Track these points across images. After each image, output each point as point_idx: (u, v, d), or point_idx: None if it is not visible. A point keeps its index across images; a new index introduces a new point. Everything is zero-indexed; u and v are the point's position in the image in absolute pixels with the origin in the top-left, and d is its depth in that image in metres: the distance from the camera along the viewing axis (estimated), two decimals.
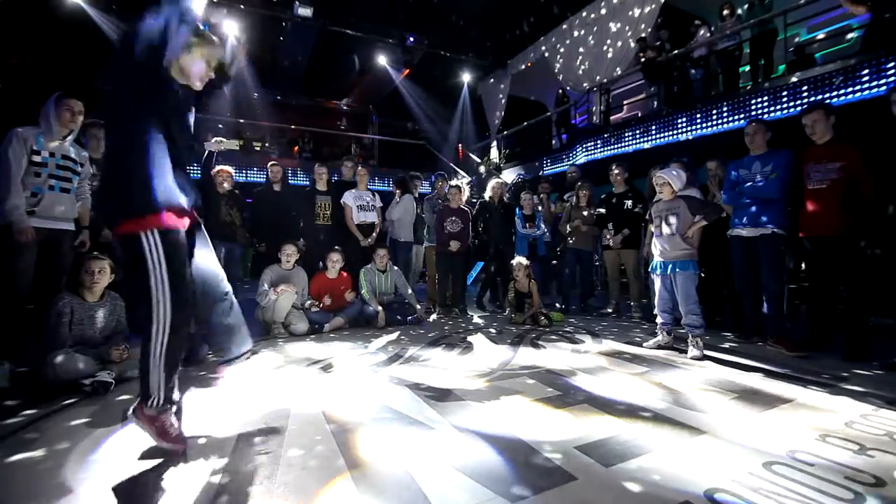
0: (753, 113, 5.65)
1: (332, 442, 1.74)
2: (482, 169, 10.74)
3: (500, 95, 11.78)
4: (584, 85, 9.15)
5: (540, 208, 5.81)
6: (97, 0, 8.28)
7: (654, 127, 7.02)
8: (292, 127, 11.80)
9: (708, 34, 6.97)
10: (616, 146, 7.65)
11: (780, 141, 3.45)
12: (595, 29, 9.04)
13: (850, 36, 6.83)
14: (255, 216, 4.81)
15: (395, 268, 4.76)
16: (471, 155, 11.86)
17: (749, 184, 3.35)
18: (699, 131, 6.35)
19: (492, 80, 12.05)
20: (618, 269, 5.03)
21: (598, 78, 8.71)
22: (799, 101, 5.22)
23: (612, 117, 8.71)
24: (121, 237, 1.62)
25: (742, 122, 5.64)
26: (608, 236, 4.86)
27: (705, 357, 3.03)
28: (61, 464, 1.57)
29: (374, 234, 5.05)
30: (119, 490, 1.42)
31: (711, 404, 2.16)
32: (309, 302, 4.23)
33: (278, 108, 12.07)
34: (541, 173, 9.11)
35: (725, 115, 6.04)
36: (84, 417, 2.02)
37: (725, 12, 6.62)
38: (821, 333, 3.24)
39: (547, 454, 1.62)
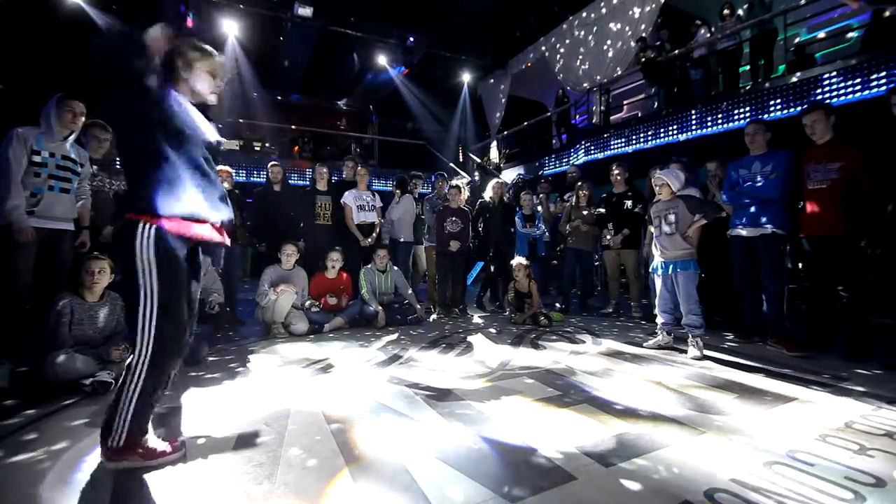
0: (753, 113, 5.65)
1: (332, 442, 1.74)
2: (476, 175, 10.74)
3: (500, 95, 11.77)
4: (584, 85, 9.15)
5: (539, 208, 5.82)
6: (97, 0, 8.28)
7: (654, 127, 7.02)
8: (292, 127, 11.80)
9: (708, 34, 6.97)
10: (616, 146, 7.65)
11: (780, 141, 3.45)
12: (595, 29, 9.04)
13: (850, 36, 6.84)
14: (256, 216, 4.81)
15: (395, 268, 4.76)
16: (471, 155, 11.86)
17: (749, 184, 3.35)
18: (699, 131, 6.35)
19: (492, 80, 12.05)
20: (618, 269, 5.03)
21: (597, 78, 8.70)
22: (799, 101, 5.22)
23: (612, 117, 8.71)
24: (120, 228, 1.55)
25: (742, 122, 5.64)
26: (608, 236, 4.86)
27: (705, 357, 3.03)
28: (61, 464, 1.57)
29: (374, 235, 5.05)
30: (119, 490, 1.42)
31: (711, 404, 2.16)
32: (309, 302, 4.23)
33: (278, 108, 12.06)
34: (541, 173, 9.11)
35: (725, 115, 6.04)
36: (84, 417, 2.02)
37: (725, 12, 6.62)
38: (821, 333, 3.24)
39: (547, 454, 1.62)
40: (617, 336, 3.86)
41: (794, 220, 3.25)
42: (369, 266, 4.58)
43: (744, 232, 3.39)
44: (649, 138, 7.08)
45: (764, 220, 3.27)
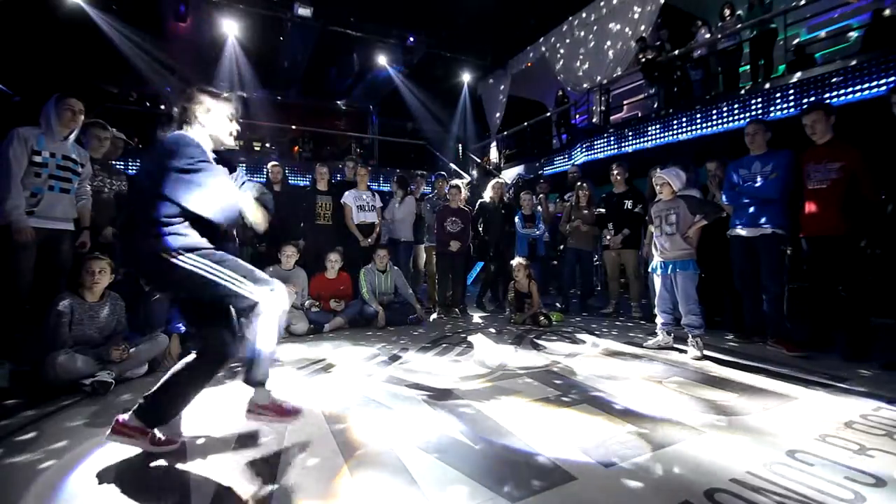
0: (753, 113, 5.65)
1: (332, 441, 1.74)
2: (474, 173, 10.74)
3: (500, 95, 11.77)
4: (584, 85, 9.14)
5: (539, 208, 5.82)
6: (97, 0, 8.28)
7: (654, 127, 7.02)
8: (292, 127, 11.80)
9: (708, 34, 6.96)
10: (616, 146, 7.64)
11: (780, 141, 3.45)
12: (595, 29, 9.03)
13: (850, 36, 6.84)
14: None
15: (395, 268, 4.76)
16: (471, 155, 11.85)
17: (749, 184, 3.35)
18: (699, 131, 6.34)
19: (492, 80, 12.04)
20: (618, 269, 5.03)
21: (597, 78, 8.70)
22: (799, 101, 5.22)
23: (612, 117, 8.70)
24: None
25: (742, 122, 5.63)
26: (608, 236, 4.86)
27: (705, 357, 3.03)
28: (61, 464, 1.57)
29: (374, 234, 5.05)
30: (119, 490, 1.42)
31: (711, 405, 2.16)
32: (309, 302, 4.23)
33: (278, 108, 12.06)
34: (541, 173, 9.11)
35: (725, 115, 6.03)
36: (84, 417, 2.02)
37: (726, 12, 6.62)
38: (821, 333, 3.24)
39: (547, 454, 1.62)
40: (617, 336, 3.86)
41: (794, 220, 3.24)
42: (369, 266, 4.58)
43: (744, 232, 3.39)
44: (649, 138, 7.08)
45: (764, 220, 3.27)
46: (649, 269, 3.54)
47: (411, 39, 10.27)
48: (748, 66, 6.53)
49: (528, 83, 11.56)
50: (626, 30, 8.30)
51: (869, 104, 4.59)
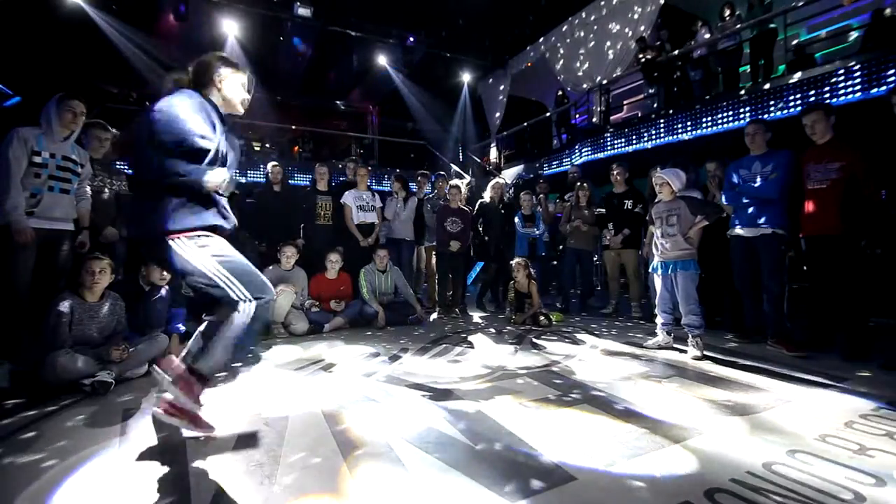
0: (753, 113, 5.65)
1: (332, 442, 1.74)
2: (471, 173, 10.74)
3: (500, 95, 11.77)
4: (584, 85, 9.14)
5: (539, 208, 5.82)
6: (97, 0, 8.28)
7: (654, 127, 7.02)
8: (292, 127, 11.79)
9: (708, 34, 6.97)
10: (616, 146, 7.64)
11: (780, 141, 3.45)
12: (595, 29, 9.04)
13: (850, 36, 6.84)
14: (256, 216, 4.80)
15: (395, 268, 4.76)
16: (471, 155, 11.85)
17: (749, 184, 3.35)
18: (699, 131, 6.34)
19: (491, 80, 12.04)
20: (618, 269, 5.03)
21: (597, 78, 8.70)
22: (799, 101, 5.22)
23: (612, 117, 8.70)
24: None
25: (742, 122, 5.63)
26: (608, 236, 4.86)
27: (705, 357, 3.03)
28: (61, 464, 1.57)
29: (374, 235, 5.05)
30: (119, 490, 1.42)
31: (711, 404, 2.16)
32: (309, 302, 4.23)
33: (278, 108, 12.06)
34: (541, 173, 9.11)
35: (725, 115, 6.03)
36: (84, 417, 2.02)
37: (726, 12, 6.62)
38: (821, 333, 3.24)
39: (547, 454, 1.62)
40: (617, 336, 3.86)
41: (794, 220, 3.24)
42: (369, 266, 4.58)
43: (744, 232, 3.39)
44: (649, 138, 7.08)
45: (764, 220, 3.27)
46: (650, 269, 3.54)
47: (411, 39, 10.27)
48: (748, 66, 6.53)
49: (528, 83, 11.55)
50: (626, 30, 8.29)
51: (869, 104, 4.59)
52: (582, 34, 9.34)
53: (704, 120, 6.28)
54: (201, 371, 1.67)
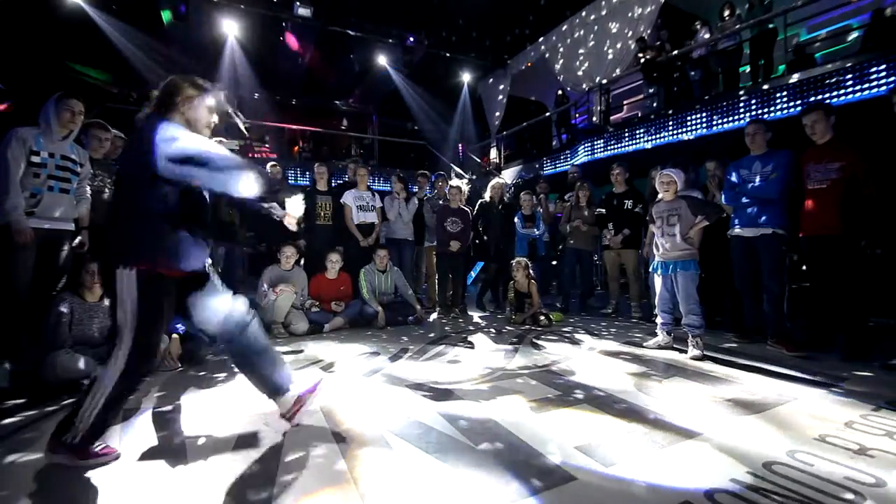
0: (754, 113, 5.65)
1: (331, 442, 1.74)
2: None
3: (500, 95, 11.77)
4: (584, 85, 9.14)
5: (539, 208, 5.82)
6: (97, 0, 8.28)
7: (654, 127, 7.02)
8: (292, 127, 11.80)
9: (708, 34, 6.97)
10: (616, 146, 7.64)
11: (780, 141, 3.45)
12: (595, 29, 9.04)
13: (850, 36, 6.83)
14: (256, 216, 4.79)
15: (395, 268, 4.76)
16: (471, 155, 11.85)
17: (749, 184, 3.35)
18: (699, 131, 6.34)
19: (492, 80, 12.05)
20: (618, 269, 5.03)
21: (598, 78, 8.70)
22: (799, 101, 5.22)
23: (612, 117, 8.70)
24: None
25: (742, 122, 5.63)
26: (608, 236, 4.86)
27: (705, 357, 3.03)
28: (61, 464, 1.57)
29: (374, 235, 5.05)
30: (119, 490, 1.42)
31: (711, 404, 2.16)
32: (309, 302, 4.23)
33: (278, 108, 12.05)
34: (541, 173, 9.11)
35: (725, 115, 6.03)
36: None
37: (725, 12, 6.62)
38: (821, 333, 3.24)
39: (547, 454, 1.62)
40: (617, 336, 3.86)
41: (794, 220, 3.24)
42: (369, 266, 4.58)
43: (744, 232, 3.39)
44: (649, 138, 7.08)
45: (764, 220, 3.27)
46: (650, 269, 3.54)
47: (411, 39, 10.28)
48: (748, 66, 6.53)
49: (528, 83, 11.55)
50: (626, 30, 8.29)
51: (869, 104, 4.59)
52: (582, 34, 9.34)
53: (704, 120, 6.27)
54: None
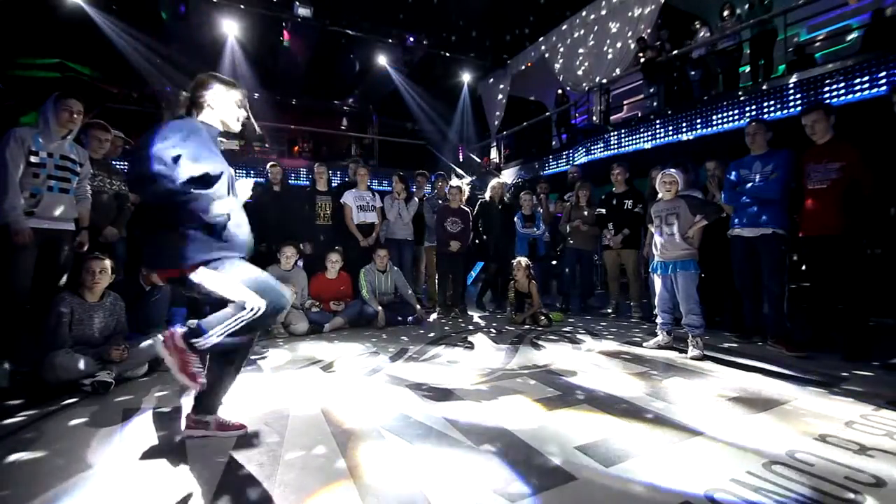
0: (753, 113, 5.65)
1: (331, 442, 1.74)
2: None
3: (500, 95, 11.77)
4: (584, 85, 9.14)
5: (539, 208, 5.82)
6: (97, 0, 8.28)
7: (654, 127, 7.01)
8: (292, 127, 11.79)
9: (708, 34, 6.96)
10: (616, 146, 7.63)
11: (780, 141, 3.45)
12: (595, 29, 9.04)
13: (850, 36, 6.83)
14: (255, 217, 4.79)
15: (395, 268, 4.76)
16: (471, 155, 11.84)
17: (749, 184, 3.35)
18: (699, 131, 6.34)
19: (492, 80, 12.04)
20: (618, 269, 5.03)
21: (597, 78, 8.70)
22: (799, 101, 5.22)
23: (612, 117, 8.70)
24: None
25: (742, 122, 5.63)
26: (608, 236, 4.86)
27: (705, 357, 3.03)
28: (61, 464, 1.57)
29: (374, 235, 5.05)
30: (119, 490, 1.41)
31: (711, 404, 2.16)
32: (309, 302, 4.23)
33: (278, 108, 12.05)
34: (541, 173, 9.10)
35: (725, 115, 6.03)
36: (84, 417, 2.02)
37: (725, 12, 6.62)
38: (821, 333, 3.24)
39: (547, 454, 1.62)
40: (617, 336, 3.86)
41: (794, 219, 3.24)
42: (369, 266, 4.58)
43: (744, 232, 3.39)
44: (649, 138, 7.07)
45: (764, 220, 3.27)
46: (650, 269, 3.54)
47: (411, 39, 10.28)
48: (748, 66, 6.53)
49: (528, 83, 11.55)
50: (626, 30, 8.29)
51: (869, 104, 4.59)
52: (582, 34, 9.34)
53: (704, 120, 6.27)
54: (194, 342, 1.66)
